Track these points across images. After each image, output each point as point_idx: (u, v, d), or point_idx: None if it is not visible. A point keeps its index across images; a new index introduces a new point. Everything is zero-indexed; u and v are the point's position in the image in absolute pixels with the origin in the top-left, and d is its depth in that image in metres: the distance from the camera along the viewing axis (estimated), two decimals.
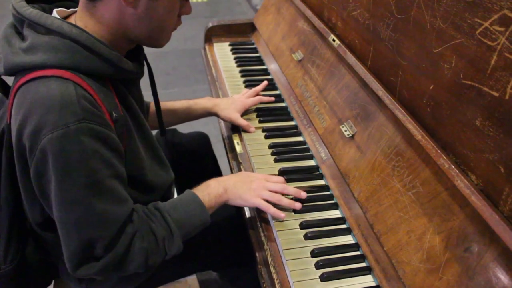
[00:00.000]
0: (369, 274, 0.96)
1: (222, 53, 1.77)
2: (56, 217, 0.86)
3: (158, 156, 1.11)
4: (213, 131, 1.87)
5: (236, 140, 1.34)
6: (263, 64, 1.69)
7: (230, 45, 1.81)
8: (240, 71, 1.64)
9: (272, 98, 1.46)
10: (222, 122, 1.46)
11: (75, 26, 0.86)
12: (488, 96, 0.78)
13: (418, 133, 0.92)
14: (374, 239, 0.98)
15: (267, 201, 1.06)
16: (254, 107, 1.44)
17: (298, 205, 1.08)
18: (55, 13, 0.92)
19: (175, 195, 1.29)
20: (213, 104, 1.39)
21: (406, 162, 0.95)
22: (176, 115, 1.37)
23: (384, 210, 0.96)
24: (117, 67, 0.90)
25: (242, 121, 1.35)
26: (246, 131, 1.35)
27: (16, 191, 0.95)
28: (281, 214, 1.05)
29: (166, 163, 1.15)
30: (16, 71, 0.87)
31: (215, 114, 1.39)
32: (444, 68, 0.89)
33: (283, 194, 1.09)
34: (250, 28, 1.90)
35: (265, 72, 1.65)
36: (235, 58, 1.72)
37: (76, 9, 0.95)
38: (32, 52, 0.84)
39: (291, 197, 1.10)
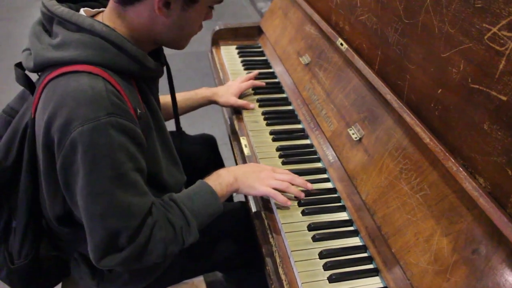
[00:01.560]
0: (377, 275, 0.97)
1: (229, 56, 1.79)
2: (82, 209, 0.88)
3: (173, 156, 1.14)
4: (218, 133, 1.88)
5: (244, 142, 1.36)
6: (270, 67, 1.71)
7: (237, 48, 1.83)
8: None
9: (263, 83, 1.54)
10: (229, 125, 1.48)
11: (105, 25, 0.89)
12: (496, 100, 0.79)
13: (426, 136, 0.93)
14: (381, 241, 0.99)
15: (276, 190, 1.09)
16: (261, 109, 1.46)
17: (302, 195, 1.12)
18: (82, 12, 0.96)
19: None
20: (212, 93, 1.47)
21: (414, 165, 0.97)
22: (179, 105, 1.39)
23: (391, 212, 0.98)
24: (142, 64, 0.94)
25: (240, 102, 1.45)
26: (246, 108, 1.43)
27: (36, 186, 0.97)
28: (288, 202, 1.09)
29: (180, 164, 1.17)
30: (46, 66, 0.90)
31: (215, 102, 1.48)
32: (452, 72, 0.90)
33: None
34: (256, 31, 1.91)
35: (272, 75, 1.66)
36: (242, 61, 1.73)
37: (100, 9, 0.98)
38: (63, 48, 0.87)
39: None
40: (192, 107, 1.47)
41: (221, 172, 1.10)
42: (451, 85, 0.91)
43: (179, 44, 1.02)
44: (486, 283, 0.76)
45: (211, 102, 1.48)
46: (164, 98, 1.35)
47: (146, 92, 1.01)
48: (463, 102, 0.88)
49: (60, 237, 1.05)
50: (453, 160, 0.86)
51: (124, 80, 0.92)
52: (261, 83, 1.54)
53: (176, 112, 1.28)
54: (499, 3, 0.77)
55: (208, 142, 1.60)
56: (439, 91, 0.94)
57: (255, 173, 1.11)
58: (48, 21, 0.92)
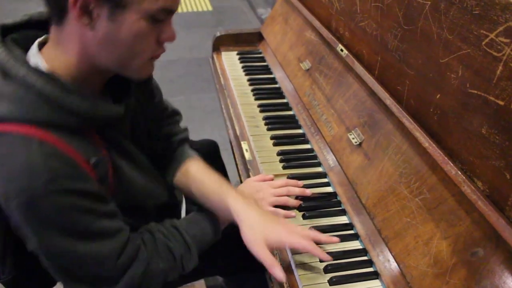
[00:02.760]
0: (377, 279, 0.98)
1: (230, 62, 1.80)
2: (49, 267, 0.84)
3: (154, 175, 1.07)
4: (219, 138, 1.89)
5: (245, 147, 1.37)
6: (270, 73, 1.72)
7: (238, 54, 1.84)
8: (248, 80, 1.67)
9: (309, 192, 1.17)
10: (230, 130, 1.49)
11: (41, 74, 0.76)
12: (494, 105, 0.81)
13: (425, 141, 0.94)
14: (381, 244, 1.00)
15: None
16: (262, 114, 1.47)
17: (300, 202, 1.12)
18: (35, 45, 0.83)
19: (183, 207, 1.33)
20: (238, 219, 1.00)
21: (413, 169, 0.98)
22: (196, 191, 1.11)
23: (391, 216, 0.99)
24: (90, 117, 0.81)
25: (264, 257, 0.95)
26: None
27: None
28: (292, 214, 1.10)
29: (161, 180, 1.11)
30: None
31: (238, 225, 1.02)
32: (450, 77, 0.92)
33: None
34: (257, 37, 1.93)
35: (273, 80, 1.68)
36: (243, 67, 1.75)
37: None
38: None
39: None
40: (202, 204, 1.11)
41: None
42: (449, 90, 0.92)
43: (128, 69, 0.83)
44: (485, 285, 0.77)
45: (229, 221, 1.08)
46: (192, 171, 1.13)
47: (108, 132, 0.89)
48: (461, 107, 0.89)
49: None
50: (451, 164, 0.87)
51: (70, 132, 0.80)
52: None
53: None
54: (496, 10, 0.79)
55: (209, 148, 1.59)
56: (438, 96, 0.96)
57: (252, 194, 1.12)
58: None
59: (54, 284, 1.16)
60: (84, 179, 0.80)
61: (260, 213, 1.00)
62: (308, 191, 1.15)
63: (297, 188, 1.15)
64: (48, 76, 0.76)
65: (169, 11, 0.77)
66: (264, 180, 1.22)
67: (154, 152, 1.13)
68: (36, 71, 0.76)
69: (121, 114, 0.87)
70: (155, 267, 0.92)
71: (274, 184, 1.15)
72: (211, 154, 1.58)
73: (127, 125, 0.97)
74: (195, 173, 1.13)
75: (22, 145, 0.74)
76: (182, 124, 1.32)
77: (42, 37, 0.85)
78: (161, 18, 0.78)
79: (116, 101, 0.90)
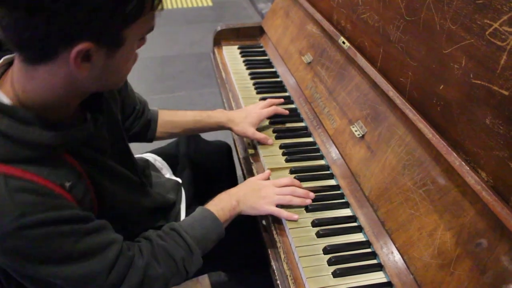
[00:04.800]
0: (381, 270, 0.98)
1: (231, 56, 1.80)
2: None
3: (144, 191, 1.09)
4: (220, 133, 1.89)
5: (247, 140, 1.37)
6: (272, 66, 1.72)
7: (239, 48, 1.84)
8: (250, 74, 1.67)
9: (287, 111, 1.41)
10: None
11: (3, 115, 0.72)
12: (498, 95, 0.80)
13: (429, 132, 0.94)
14: (385, 236, 1.00)
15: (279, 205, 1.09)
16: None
17: (308, 201, 1.11)
18: None
19: (183, 205, 1.33)
20: (227, 119, 1.34)
21: (417, 160, 0.97)
22: (186, 126, 1.34)
23: (395, 207, 0.98)
24: (54, 146, 0.77)
25: (258, 135, 1.31)
26: (263, 144, 1.33)
27: None
28: (295, 216, 1.08)
29: (148, 187, 1.12)
30: None
31: (229, 129, 1.35)
32: (454, 68, 0.91)
33: None
34: (258, 31, 1.92)
35: (274, 74, 1.67)
36: (244, 61, 1.75)
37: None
38: None
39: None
40: (202, 130, 1.38)
41: (222, 196, 1.09)
42: (453, 81, 0.92)
43: (111, 87, 0.88)
44: (489, 275, 0.76)
45: (224, 128, 1.36)
46: (172, 116, 1.33)
47: (83, 151, 0.86)
48: (465, 98, 0.89)
49: None
50: (455, 155, 0.87)
51: (38, 161, 0.76)
52: (284, 111, 1.40)
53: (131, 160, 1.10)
54: None
55: (223, 150, 1.57)
56: (441, 87, 0.96)
57: (255, 192, 1.10)
58: None
59: None
60: (59, 207, 0.76)
61: (240, 113, 1.35)
62: (312, 194, 1.13)
63: (301, 190, 1.13)
64: (4, 111, 0.73)
65: (152, 29, 0.78)
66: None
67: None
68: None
69: (91, 131, 0.85)
70: (154, 273, 0.91)
71: (278, 183, 1.13)
72: (224, 157, 1.56)
73: (104, 138, 0.93)
74: (170, 115, 1.33)
75: None
76: None
77: (2, 60, 0.80)
78: (146, 34, 0.79)
79: (93, 111, 0.89)
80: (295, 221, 1.08)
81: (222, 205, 1.06)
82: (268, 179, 1.18)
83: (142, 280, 0.89)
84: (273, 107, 1.38)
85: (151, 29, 0.78)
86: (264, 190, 1.10)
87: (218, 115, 1.35)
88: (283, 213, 1.08)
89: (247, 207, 1.08)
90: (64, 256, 0.78)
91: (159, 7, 0.76)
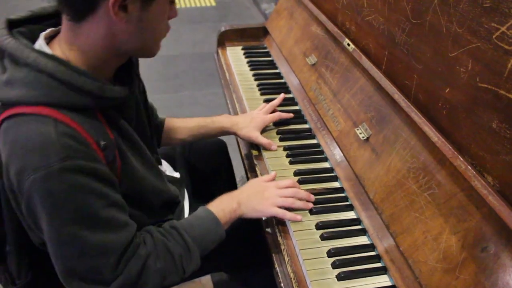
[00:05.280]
0: (385, 274, 0.98)
1: (235, 57, 1.80)
2: (54, 252, 0.85)
3: (157, 172, 1.09)
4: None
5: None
6: (276, 67, 1.72)
7: (243, 49, 1.84)
8: (254, 75, 1.67)
9: (291, 115, 1.41)
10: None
11: (52, 58, 0.81)
12: (505, 99, 0.80)
13: (434, 135, 0.93)
14: (389, 240, 0.99)
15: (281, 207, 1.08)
16: None
17: (310, 205, 1.11)
18: (41, 37, 0.87)
19: (186, 202, 1.33)
20: (231, 124, 1.35)
21: (422, 163, 0.97)
22: (190, 132, 1.35)
23: (399, 211, 0.98)
24: (99, 98, 0.85)
25: (262, 140, 1.31)
26: (267, 149, 1.32)
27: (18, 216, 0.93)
28: (298, 217, 1.08)
29: (164, 178, 1.14)
30: None
31: (234, 133, 1.36)
32: (460, 71, 0.91)
33: None
34: (262, 32, 1.92)
35: (278, 75, 1.67)
36: (248, 62, 1.74)
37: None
38: (10, 86, 0.80)
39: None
40: (207, 135, 1.38)
41: (224, 197, 1.09)
42: (459, 84, 0.91)
43: (149, 51, 0.93)
44: (495, 280, 0.76)
45: (229, 133, 1.37)
46: (176, 123, 1.34)
47: (116, 118, 0.93)
48: (471, 101, 0.88)
49: None
50: (461, 159, 0.86)
51: (82, 114, 0.84)
52: (288, 115, 1.40)
53: (158, 139, 1.21)
54: (508, 3, 0.78)
55: (218, 147, 1.58)
56: (446, 91, 0.95)
57: (258, 193, 1.09)
58: (1, 53, 0.84)
59: None
60: (97, 160, 0.83)
61: (245, 118, 1.36)
62: (313, 197, 1.13)
63: (303, 192, 1.13)
64: (58, 59, 0.81)
65: None
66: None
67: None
68: (46, 54, 0.81)
69: (127, 95, 0.93)
70: (152, 266, 0.91)
71: (280, 185, 1.12)
72: (219, 154, 1.57)
73: (132, 108, 1.02)
74: (175, 121, 1.33)
75: (38, 125, 0.78)
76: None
77: (47, 31, 0.89)
78: (174, 1, 0.89)
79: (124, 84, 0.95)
80: (299, 222, 1.08)
81: (223, 206, 1.06)
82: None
83: (141, 270, 0.89)
84: (278, 113, 1.39)
85: None
86: (267, 191, 1.10)
87: (222, 120, 1.36)
88: (287, 214, 1.07)
89: (249, 210, 1.07)
90: (89, 217, 0.82)
91: None
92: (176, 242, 0.96)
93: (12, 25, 0.87)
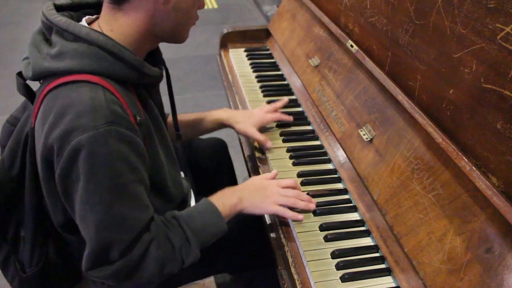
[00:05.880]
0: (389, 275, 0.98)
1: (238, 58, 1.80)
2: (78, 216, 0.88)
3: (175, 162, 1.13)
4: (226, 136, 1.89)
5: (255, 143, 1.36)
6: (278, 69, 1.72)
7: (245, 51, 1.84)
8: (256, 77, 1.67)
9: (291, 118, 1.41)
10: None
11: (101, 33, 0.88)
12: (510, 100, 0.80)
13: (438, 136, 0.93)
14: (393, 241, 0.99)
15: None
16: None
17: (312, 206, 1.10)
18: (84, 21, 0.95)
19: (192, 202, 1.32)
20: (228, 116, 1.37)
21: (426, 165, 0.97)
22: (189, 126, 1.37)
23: (403, 212, 0.98)
24: (140, 72, 0.92)
25: (259, 136, 1.31)
26: (263, 146, 1.32)
27: (40, 194, 0.97)
28: (300, 216, 1.08)
29: (179, 170, 1.16)
30: (44, 76, 0.90)
31: (230, 126, 1.37)
32: (464, 72, 0.91)
33: None
34: (265, 34, 1.92)
35: (281, 77, 1.67)
36: (250, 64, 1.75)
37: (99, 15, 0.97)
38: (61, 58, 0.86)
39: None
40: (205, 129, 1.40)
41: (226, 191, 1.09)
42: (463, 85, 0.91)
43: (180, 35, 1.00)
44: (500, 281, 0.76)
45: (225, 125, 1.38)
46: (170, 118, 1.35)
47: (146, 98, 1.00)
48: (475, 102, 0.88)
49: (69, 243, 1.05)
50: (466, 160, 0.86)
51: (123, 88, 0.91)
52: (289, 117, 1.40)
53: (175, 118, 1.25)
54: None
55: (218, 146, 1.59)
56: (450, 91, 0.95)
57: (260, 191, 1.10)
58: (48, 30, 0.92)
59: (80, 280, 1.17)
60: (135, 133, 0.88)
61: (244, 113, 1.38)
62: (314, 203, 1.12)
63: (304, 195, 1.12)
64: (107, 36, 0.88)
65: None
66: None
67: None
68: (97, 30, 0.88)
69: (160, 76, 1.02)
70: (153, 252, 0.92)
71: (282, 183, 1.12)
72: (219, 153, 1.57)
73: (158, 93, 1.09)
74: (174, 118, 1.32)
75: (89, 90, 0.84)
76: None
77: (87, 17, 0.97)
78: None
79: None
80: (303, 224, 1.07)
81: (224, 200, 1.06)
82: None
83: (143, 255, 0.91)
84: (278, 114, 1.39)
85: None
86: (269, 189, 1.10)
87: (219, 112, 1.39)
88: (288, 212, 1.07)
89: (251, 206, 1.08)
90: (121, 187, 0.86)
91: None
92: (177, 232, 0.97)
93: (56, 9, 0.94)
